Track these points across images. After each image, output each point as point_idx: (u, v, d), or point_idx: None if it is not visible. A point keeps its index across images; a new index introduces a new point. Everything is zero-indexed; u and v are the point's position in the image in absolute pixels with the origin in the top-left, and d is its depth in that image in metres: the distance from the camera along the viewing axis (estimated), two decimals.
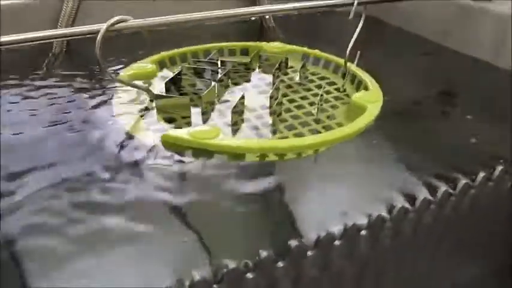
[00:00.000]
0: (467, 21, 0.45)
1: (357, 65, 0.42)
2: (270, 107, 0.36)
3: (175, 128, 0.33)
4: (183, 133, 0.29)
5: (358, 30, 0.40)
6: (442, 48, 0.49)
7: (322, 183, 0.30)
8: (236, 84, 0.41)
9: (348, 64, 0.41)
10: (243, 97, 0.34)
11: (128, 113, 0.35)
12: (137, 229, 0.25)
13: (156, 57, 0.43)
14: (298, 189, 0.29)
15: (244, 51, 0.47)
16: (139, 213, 0.26)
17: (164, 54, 0.43)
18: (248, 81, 0.41)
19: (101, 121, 0.35)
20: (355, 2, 0.38)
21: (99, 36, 0.30)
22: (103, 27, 0.30)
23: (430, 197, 0.30)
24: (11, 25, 0.46)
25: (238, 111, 0.34)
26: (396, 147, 0.34)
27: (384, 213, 0.29)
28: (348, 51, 0.41)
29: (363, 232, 0.29)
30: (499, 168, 0.34)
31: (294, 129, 0.34)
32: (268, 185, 0.28)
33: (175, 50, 0.44)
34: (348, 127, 0.32)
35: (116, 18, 0.31)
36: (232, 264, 0.23)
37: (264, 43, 0.47)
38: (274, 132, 0.33)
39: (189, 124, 0.34)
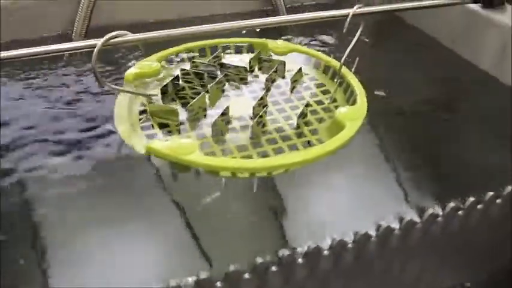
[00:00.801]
0: (474, 28, 0.44)
1: (355, 71, 0.43)
2: (255, 116, 0.38)
3: (167, 132, 0.36)
4: (162, 146, 0.32)
5: (355, 39, 0.41)
6: (448, 52, 0.48)
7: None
8: (234, 84, 0.43)
9: (345, 70, 0.42)
10: (226, 109, 0.36)
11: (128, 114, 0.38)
12: None
13: (162, 54, 0.44)
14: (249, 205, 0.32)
15: (251, 48, 0.48)
16: None
17: (171, 50, 0.45)
18: (246, 83, 0.43)
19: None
20: (350, 13, 0.38)
21: (95, 51, 0.33)
22: (99, 43, 0.33)
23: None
24: (30, 20, 0.50)
25: (217, 127, 0.36)
26: (363, 171, 0.35)
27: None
28: (342, 60, 0.41)
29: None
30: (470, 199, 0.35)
31: (274, 144, 0.36)
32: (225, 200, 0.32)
33: (182, 46, 0.46)
34: (321, 147, 0.34)
35: (112, 33, 0.34)
36: None
37: (269, 41, 0.48)
38: (254, 145, 0.36)
39: (178, 132, 0.37)
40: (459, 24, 0.46)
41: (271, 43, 0.47)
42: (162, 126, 0.37)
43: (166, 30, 0.36)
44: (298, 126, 0.37)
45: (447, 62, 0.46)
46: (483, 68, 0.44)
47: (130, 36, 0.34)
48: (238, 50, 0.48)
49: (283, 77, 0.44)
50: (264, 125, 0.38)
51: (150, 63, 0.43)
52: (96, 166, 0.33)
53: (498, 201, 0.36)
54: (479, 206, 0.35)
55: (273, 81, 0.43)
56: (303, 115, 0.38)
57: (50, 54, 0.32)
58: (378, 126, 0.38)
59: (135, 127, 0.37)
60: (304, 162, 0.33)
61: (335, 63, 0.44)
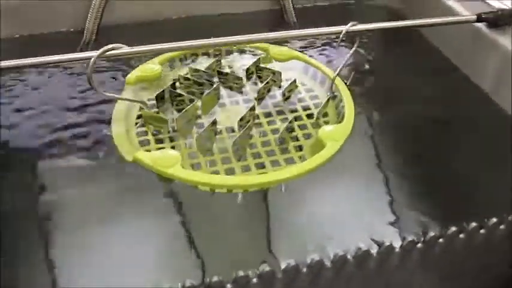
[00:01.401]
0: (477, 46, 0.43)
1: (349, 85, 0.43)
2: (242, 128, 0.39)
3: (159, 140, 0.39)
4: (146, 157, 0.34)
5: (349, 55, 0.41)
6: (450, 67, 0.47)
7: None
8: (230, 92, 0.44)
9: (341, 84, 0.43)
10: (214, 123, 0.38)
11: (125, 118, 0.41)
12: None
13: (164, 56, 0.46)
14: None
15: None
16: None
17: (174, 53, 0.47)
18: (241, 92, 0.44)
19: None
20: (343, 31, 0.38)
21: (90, 63, 0.35)
22: (95, 55, 0.35)
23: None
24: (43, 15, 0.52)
25: (203, 138, 0.37)
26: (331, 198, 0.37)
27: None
28: (336, 74, 0.42)
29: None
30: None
31: (258, 158, 0.38)
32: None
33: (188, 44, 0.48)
34: (299, 166, 0.35)
35: (108, 46, 0.36)
36: None
37: (271, 46, 0.48)
38: (239, 159, 0.37)
39: (169, 140, 0.39)
40: (464, 40, 0.45)
41: (273, 49, 0.48)
42: (155, 133, 0.39)
43: (162, 44, 0.37)
44: (283, 141, 0.39)
45: (448, 78, 0.46)
46: (484, 88, 0.43)
47: (126, 49, 0.36)
48: (243, 52, 0.49)
49: (279, 87, 0.45)
50: (250, 137, 0.39)
51: (152, 66, 0.45)
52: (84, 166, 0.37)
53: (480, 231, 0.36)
54: (461, 235, 0.36)
55: (269, 90, 0.44)
56: (289, 129, 0.39)
57: (49, 64, 0.34)
58: (361, 145, 0.39)
59: (130, 132, 0.39)
60: (279, 181, 0.34)
61: (332, 75, 0.44)
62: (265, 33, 0.39)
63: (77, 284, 0.30)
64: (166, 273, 0.32)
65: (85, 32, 0.51)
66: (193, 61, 0.48)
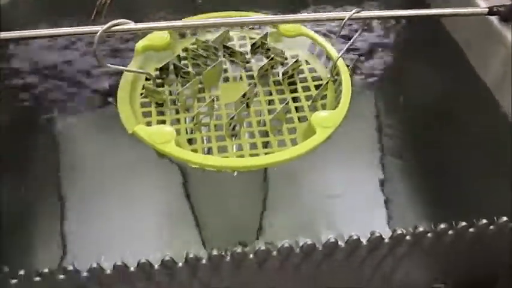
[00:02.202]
0: (487, 38, 0.42)
1: (353, 69, 0.43)
2: (240, 104, 0.40)
3: (160, 112, 0.41)
4: (144, 132, 0.36)
5: (352, 40, 0.41)
6: (459, 54, 0.46)
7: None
8: (234, 67, 0.45)
9: (343, 67, 0.43)
10: (213, 100, 0.40)
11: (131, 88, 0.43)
12: None
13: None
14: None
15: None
16: None
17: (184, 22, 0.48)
18: (245, 68, 0.45)
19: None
20: (346, 18, 0.38)
21: (96, 38, 0.36)
22: (100, 30, 0.36)
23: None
24: None
25: (202, 115, 0.39)
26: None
27: None
28: (337, 58, 0.42)
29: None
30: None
31: (251, 138, 0.39)
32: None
33: (196, 17, 0.48)
34: (286, 152, 0.36)
35: (114, 21, 0.37)
36: None
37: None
38: (232, 137, 0.39)
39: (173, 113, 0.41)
40: (475, 29, 0.44)
41: (282, 24, 0.48)
42: (158, 104, 0.41)
43: (169, 22, 0.38)
44: (278, 123, 0.40)
45: (454, 66, 0.45)
46: (487, 81, 0.43)
47: (132, 25, 0.37)
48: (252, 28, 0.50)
49: (283, 64, 0.46)
50: (247, 116, 0.41)
51: (161, 34, 0.46)
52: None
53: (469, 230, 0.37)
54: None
55: (272, 67, 0.45)
56: (285, 111, 0.41)
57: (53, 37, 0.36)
58: (353, 133, 0.40)
59: (135, 102, 0.41)
60: (267, 165, 0.36)
61: (335, 56, 0.44)
62: (267, 16, 0.40)
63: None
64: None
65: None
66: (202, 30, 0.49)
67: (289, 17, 0.40)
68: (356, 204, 0.39)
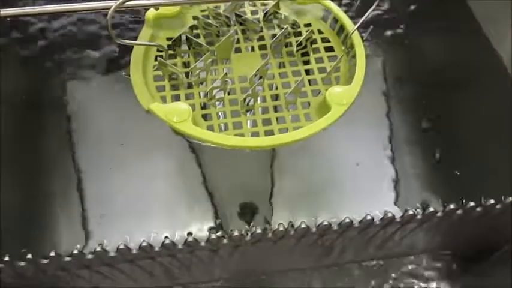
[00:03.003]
0: (503, 13, 0.41)
1: (366, 39, 0.43)
2: (254, 78, 0.40)
3: (174, 86, 0.41)
4: (159, 110, 0.37)
5: (370, 10, 0.40)
6: (476, 27, 0.45)
7: None
8: (247, 38, 0.44)
9: (357, 39, 0.42)
10: (226, 73, 0.39)
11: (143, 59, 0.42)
12: None
13: None
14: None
15: None
16: None
17: None
18: (258, 39, 0.44)
19: None
20: None
21: (109, 14, 0.35)
22: (113, 5, 0.36)
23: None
24: None
25: (213, 95, 0.39)
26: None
27: None
28: (353, 29, 0.41)
29: None
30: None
31: (265, 113, 0.40)
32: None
33: None
34: (294, 133, 0.37)
35: None
36: None
37: None
38: (248, 111, 0.39)
39: (184, 87, 0.41)
40: (493, 4, 0.43)
41: None
42: (171, 78, 0.41)
43: None
44: (292, 98, 0.40)
45: (470, 39, 0.45)
46: (502, 54, 0.43)
47: (144, 0, 0.36)
48: None
49: (295, 34, 0.45)
50: (262, 90, 0.41)
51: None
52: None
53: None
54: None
55: (286, 36, 0.44)
56: (300, 85, 0.41)
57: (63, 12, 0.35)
58: (368, 110, 0.41)
59: (148, 76, 0.41)
60: (281, 144, 0.37)
61: (350, 26, 0.44)
62: None
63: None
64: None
65: None
66: None
67: None
68: (368, 178, 0.40)
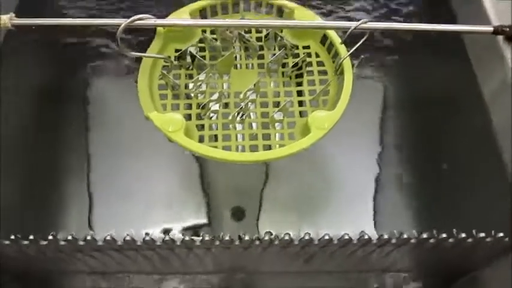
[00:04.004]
0: (489, 52, 0.43)
1: (357, 67, 0.45)
2: (248, 94, 0.44)
3: (175, 95, 0.45)
4: (156, 118, 0.41)
5: (359, 43, 0.43)
6: (465, 59, 0.47)
7: None
8: (248, 55, 0.48)
9: (348, 66, 0.45)
10: (222, 90, 0.43)
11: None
12: None
13: (194, 6, 0.49)
14: None
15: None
16: None
17: (204, 2, 0.50)
18: (258, 57, 0.48)
19: None
20: (351, 28, 0.40)
21: (118, 31, 0.40)
22: (123, 23, 0.40)
23: None
24: None
25: (209, 107, 0.43)
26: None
27: None
28: (343, 58, 0.44)
29: None
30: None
31: (254, 129, 0.43)
32: None
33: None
34: (280, 150, 0.40)
35: (137, 16, 0.40)
36: None
37: (297, 7, 0.49)
38: (237, 126, 0.43)
39: (183, 97, 0.45)
40: (483, 40, 0.45)
41: (298, 11, 0.49)
42: (173, 88, 0.45)
43: (188, 20, 0.42)
44: (280, 116, 0.44)
45: (457, 73, 0.47)
46: (485, 92, 0.45)
47: (152, 20, 0.41)
48: (270, 7, 0.51)
49: (293, 56, 0.48)
50: (253, 105, 0.44)
51: (182, 15, 0.49)
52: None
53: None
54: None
55: (284, 57, 0.48)
56: (289, 105, 0.44)
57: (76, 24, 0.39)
58: (346, 135, 0.44)
59: (153, 84, 0.45)
60: (264, 160, 0.41)
61: (344, 52, 0.46)
62: (277, 20, 0.42)
63: None
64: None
65: None
66: (223, 11, 0.51)
67: (297, 22, 0.43)
68: (352, 197, 0.43)
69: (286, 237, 0.38)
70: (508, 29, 0.40)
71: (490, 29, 0.40)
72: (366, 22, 0.40)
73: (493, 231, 0.37)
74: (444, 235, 0.39)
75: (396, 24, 0.41)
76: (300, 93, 0.46)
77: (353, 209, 0.44)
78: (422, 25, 0.41)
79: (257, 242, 0.38)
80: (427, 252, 0.43)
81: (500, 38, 0.42)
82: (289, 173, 0.45)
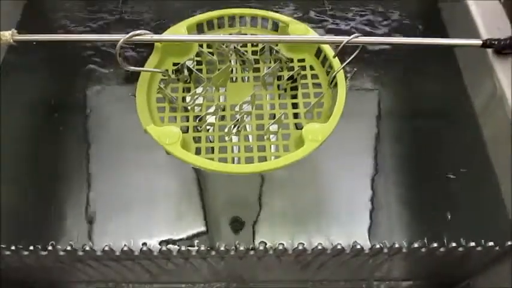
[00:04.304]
0: (479, 65, 0.44)
1: (351, 79, 0.47)
2: (244, 107, 0.45)
3: (172, 108, 0.46)
4: (153, 131, 0.42)
5: (352, 57, 0.44)
6: (455, 72, 0.48)
7: None
8: (244, 68, 0.49)
9: (341, 79, 0.46)
10: (219, 100, 0.44)
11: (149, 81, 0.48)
12: None
13: (192, 21, 0.50)
14: None
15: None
16: None
17: (201, 17, 0.51)
18: (254, 70, 0.49)
19: None
20: (343, 43, 0.41)
21: (117, 47, 0.41)
22: (122, 38, 0.41)
23: None
24: None
25: (206, 120, 0.44)
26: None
27: None
28: (337, 71, 0.45)
29: None
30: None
31: (248, 141, 0.44)
32: None
33: (214, 13, 0.51)
34: (274, 162, 0.41)
35: (135, 32, 0.42)
36: None
37: (291, 21, 0.50)
38: (233, 138, 0.44)
39: (180, 110, 0.46)
40: (473, 53, 0.46)
41: (292, 25, 0.50)
42: (170, 101, 0.47)
43: (184, 35, 0.43)
44: (275, 128, 0.45)
45: (449, 86, 0.48)
46: (476, 104, 0.46)
47: (149, 36, 0.42)
48: (265, 20, 0.52)
49: (289, 69, 0.49)
50: (249, 117, 0.45)
51: (180, 30, 0.50)
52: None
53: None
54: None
55: (279, 70, 0.49)
56: (283, 117, 0.45)
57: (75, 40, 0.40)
58: (339, 148, 0.45)
59: (151, 98, 0.47)
60: (258, 171, 0.42)
61: (337, 65, 0.47)
62: (273, 36, 0.44)
63: None
64: None
65: None
66: (219, 26, 0.52)
67: (291, 37, 0.44)
68: (345, 207, 0.44)
69: (280, 247, 0.39)
70: (496, 42, 0.42)
71: (479, 42, 0.42)
72: (357, 37, 0.41)
73: (483, 241, 0.37)
74: (435, 244, 0.40)
75: (387, 39, 0.42)
76: (294, 106, 0.47)
77: (347, 219, 0.44)
78: (412, 39, 0.42)
79: (252, 252, 0.39)
80: (419, 261, 0.44)
81: (490, 50, 0.43)
82: (285, 184, 0.46)
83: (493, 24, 0.45)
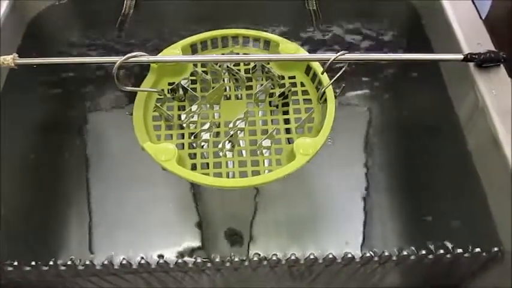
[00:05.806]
0: (461, 78, 0.46)
1: (339, 95, 0.48)
2: (237, 123, 0.46)
3: (168, 127, 0.47)
4: (150, 148, 0.43)
5: (339, 74, 0.46)
6: (439, 83, 0.50)
7: None
8: (237, 86, 0.51)
9: (331, 95, 0.48)
10: (213, 118, 0.46)
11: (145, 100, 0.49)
12: None
13: (186, 42, 0.52)
14: None
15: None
16: None
17: (195, 38, 0.53)
18: (246, 88, 0.51)
19: None
20: (330, 60, 0.43)
21: (114, 68, 0.43)
22: (119, 60, 0.43)
23: None
24: None
25: (201, 137, 0.46)
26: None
27: None
28: (325, 87, 0.47)
29: None
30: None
31: (242, 156, 0.46)
32: None
33: (208, 33, 0.53)
34: (267, 175, 0.43)
35: (132, 54, 0.43)
36: None
37: (282, 40, 0.52)
38: (227, 154, 0.46)
39: (176, 127, 0.48)
40: (456, 67, 0.48)
41: (283, 44, 0.52)
42: (166, 120, 0.48)
43: (178, 56, 0.45)
44: (267, 143, 0.46)
45: (431, 94, 0.50)
46: (460, 115, 0.47)
47: (146, 57, 0.44)
48: (257, 40, 0.54)
49: (280, 86, 0.51)
50: (240, 134, 0.47)
51: (174, 51, 0.52)
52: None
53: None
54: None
55: (271, 87, 0.51)
56: (275, 133, 0.47)
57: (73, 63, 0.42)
58: (329, 161, 0.46)
59: (148, 116, 0.48)
60: (252, 185, 0.43)
61: (326, 81, 0.49)
62: (263, 54, 0.46)
63: None
64: None
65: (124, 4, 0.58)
66: (213, 45, 0.54)
67: (280, 56, 0.46)
68: (336, 219, 0.46)
69: (274, 258, 0.40)
70: (476, 56, 0.44)
71: (460, 56, 0.44)
72: (344, 54, 0.43)
73: (470, 247, 0.39)
74: (423, 252, 0.41)
75: (373, 55, 0.44)
76: (286, 121, 0.49)
77: (340, 230, 0.46)
78: (397, 55, 0.44)
79: (246, 263, 0.40)
80: (410, 270, 0.45)
81: (471, 64, 0.45)
82: (278, 197, 0.48)
83: (474, 40, 0.47)
